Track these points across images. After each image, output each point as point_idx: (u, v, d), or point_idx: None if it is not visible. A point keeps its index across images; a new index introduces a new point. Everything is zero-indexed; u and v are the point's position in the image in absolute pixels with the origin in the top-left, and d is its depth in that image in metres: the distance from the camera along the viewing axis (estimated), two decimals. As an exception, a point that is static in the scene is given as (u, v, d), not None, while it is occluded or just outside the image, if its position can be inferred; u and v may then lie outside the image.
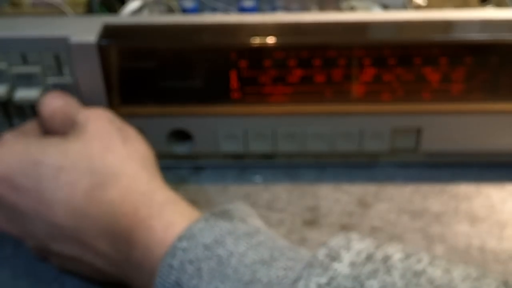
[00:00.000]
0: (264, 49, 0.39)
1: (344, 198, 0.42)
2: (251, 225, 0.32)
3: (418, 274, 0.26)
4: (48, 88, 0.41)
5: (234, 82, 0.40)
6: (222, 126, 0.42)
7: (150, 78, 0.40)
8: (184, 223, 0.31)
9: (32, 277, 0.37)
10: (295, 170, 0.45)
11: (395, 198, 0.42)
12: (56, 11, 0.45)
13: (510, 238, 0.39)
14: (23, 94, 0.40)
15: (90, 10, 0.47)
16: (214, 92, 0.40)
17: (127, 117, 0.41)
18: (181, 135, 0.43)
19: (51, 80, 0.40)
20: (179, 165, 0.45)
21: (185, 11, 0.48)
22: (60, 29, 0.39)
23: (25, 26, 0.40)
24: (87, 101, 0.41)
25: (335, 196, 0.42)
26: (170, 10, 0.48)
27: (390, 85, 0.40)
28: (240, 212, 0.33)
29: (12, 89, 0.41)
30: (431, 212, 0.41)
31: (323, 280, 0.26)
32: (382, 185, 0.43)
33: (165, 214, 0.32)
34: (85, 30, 0.39)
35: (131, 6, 0.46)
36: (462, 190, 0.43)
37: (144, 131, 0.42)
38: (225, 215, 0.32)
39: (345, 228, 0.40)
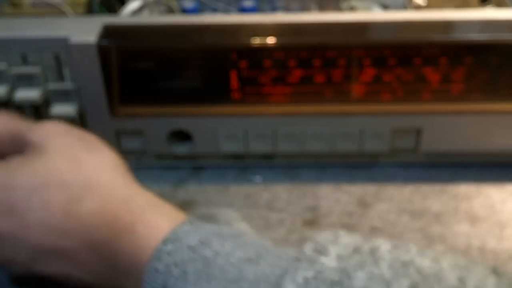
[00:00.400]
0: (264, 49, 0.39)
1: (344, 198, 0.42)
2: (236, 228, 0.32)
3: (406, 264, 0.26)
4: (48, 89, 0.41)
5: (234, 82, 0.40)
6: (222, 126, 0.42)
7: (150, 78, 0.40)
8: (168, 225, 0.31)
9: (32, 278, 0.37)
10: (295, 170, 0.45)
11: (395, 198, 0.42)
12: (56, 11, 0.45)
13: (510, 238, 0.39)
14: (23, 94, 0.40)
15: (90, 10, 0.47)
16: (214, 92, 0.40)
17: (127, 117, 0.41)
18: (181, 135, 0.43)
19: (52, 80, 0.41)
20: (179, 165, 0.45)
21: (185, 11, 0.48)
22: (60, 29, 0.39)
23: (25, 26, 0.40)
24: (87, 102, 0.41)
25: (335, 196, 0.42)
26: (170, 10, 0.48)
27: (390, 85, 0.40)
28: (225, 216, 0.33)
29: (12, 89, 0.41)
30: (431, 212, 0.41)
31: (310, 273, 0.26)
32: (382, 185, 0.43)
33: (147, 218, 0.31)
34: (85, 30, 0.39)
35: (131, 6, 0.46)
36: (462, 190, 0.43)
37: (144, 131, 0.42)
38: (210, 219, 0.32)
39: (345, 228, 0.40)
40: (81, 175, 0.33)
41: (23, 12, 0.45)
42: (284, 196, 0.43)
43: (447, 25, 0.39)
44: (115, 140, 0.43)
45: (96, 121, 0.42)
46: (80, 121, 0.42)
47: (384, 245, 0.27)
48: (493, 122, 0.41)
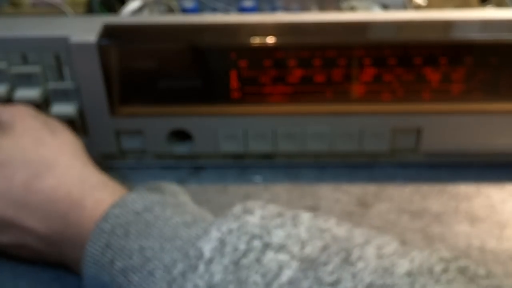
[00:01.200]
0: (264, 49, 0.39)
1: (344, 198, 0.42)
2: (179, 199, 0.35)
3: (323, 230, 0.29)
4: (48, 88, 0.41)
5: (234, 82, 0.40)
6: (222, 126, 0.42)
7: (150, 78, 0.40)
8: (113, 199, 0.33)
9: (32, 277, 0.37)
10: (295, 170, 0.45)
11: (395, 198, 0.42)
12: (56, 11, 0.45)
13: (510, 238, 0.39)
14: (23, 94, 0.40)
15: (90, 10, 0.47)
16: (214, 92, 0.40)
17: (127, 117, 0.41)
18: (181, 135, 0.43)
19: (52, 80, 0.41)
20: (179, 165, 0.45)
21: (185, 11, 0.48)
22: (60, 29, 0.39)
23: (25, 26, 0.40)
24: (87, 102, 0.41)
25: (335, 196, 0.42)
26: (170, 10, 0.48)
27: (390, 85, 0.40)
28: (171, 189, 0.36)
29: (12, 89, 0.41)
30: (431, 212, 0.41)
31: (234, 225, 0.29)
32: (382, 185, 0.43)
33: (96, 195, 0.34)
34: (85, 30, 0.39)
35: (131, 6, 0.46)
36: (462, 190, 0.43)
37: (144, 131, 0.42)
38: (157, 190, 0.35)
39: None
40: (43, 154, 0.36)
41: (23, 12, 0.45)
42: (284, 196, 0.43)
43: (447, 25, 0.39)
44: (115, 140, 0.43)
45: (96, 121, 0.42)
46: (80, 121, 0.42)
47: (305, 214, 0.30)
48: (493, 122, 0.41)
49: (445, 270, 0.26)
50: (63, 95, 0.41)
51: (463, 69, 0.39)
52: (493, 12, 0.42)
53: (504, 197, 0.42)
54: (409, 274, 0.26)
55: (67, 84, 0.40)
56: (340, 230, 0.29)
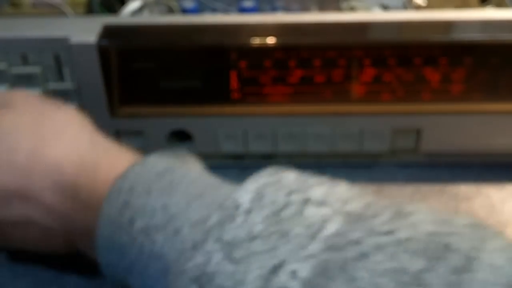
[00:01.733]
0: (264, 49, 0.39)
1: (344, 198, 0.42)
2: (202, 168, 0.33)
3: (363, 194, 0.27)
4: (48, 89, 0.41)
5: (234, 82, 0.40)
6: (222, 126, 0.42)
7: (150, 79, 0.40)
8: (130, 161, 0.31)
9: (32, 277, 0.37)
10: (295, 170, 0.44)
11: (395, 198, 0.42)
12: (56, 11, 0.45)
13: (510, 238, 0.39)
14: (23, 94, 0.40)
15: (90, 10, 0.47)
16: (214, 92, 0.40)
17: (127, 118, 0.41)
18: (181, 135, 0.43)
19: (52, 80, 0.41)
20: (179, 165, 0.45)
21: (185, 11, 0.48)
22: (60, 29, 0.39)
23: (25, 26, 0.40)
24: (87, 102, 0.41)
25: (335, 196, 0.42)
26: (170, 10, 0.48)
27: (390, 85, 0.40)
28: (190, 159, 0.34)
29: (12, 89, 0.41)
30: (431, 212, 0.41)
31: (271, 179, 0.27)
32: (382, 185, 0.43)
33: (111, 156, 0.32)
34: (85, 30, 0.39)
35: (131, 6, 0.46)
36: (462, 190, 0.43)
37: (144, 131, 0.42)
38: (177, 156, 0.33)
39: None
40: (49, 124, 0.34)
41: (23, 12, 0.45)
42: (284, 196, 0.42)
43: (447, 25, 0.39)
44: (115, 140, 0.43)
45: (96, 121, 0.41)
46: (80, 121, 0.42)
47: (342, 182, 0.29)
48: (493, 122, 0.41)
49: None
50: (63, 96, 0.41)
51: (463, 70, 0.39)
52: (493, 12, 0.42)
53: (504, 197, 0.42)
54: (470, 225, 0.25)
55: (67, 84, 0.41)
56: (359, 203, 0.27)
